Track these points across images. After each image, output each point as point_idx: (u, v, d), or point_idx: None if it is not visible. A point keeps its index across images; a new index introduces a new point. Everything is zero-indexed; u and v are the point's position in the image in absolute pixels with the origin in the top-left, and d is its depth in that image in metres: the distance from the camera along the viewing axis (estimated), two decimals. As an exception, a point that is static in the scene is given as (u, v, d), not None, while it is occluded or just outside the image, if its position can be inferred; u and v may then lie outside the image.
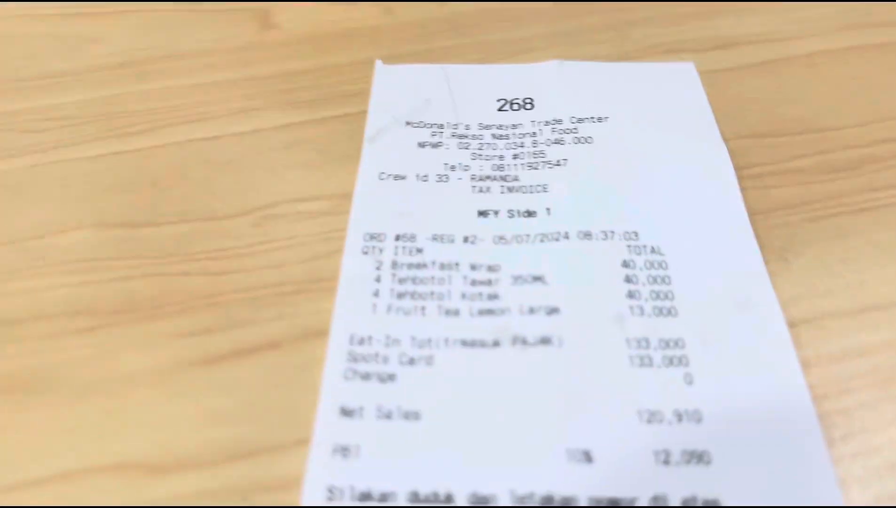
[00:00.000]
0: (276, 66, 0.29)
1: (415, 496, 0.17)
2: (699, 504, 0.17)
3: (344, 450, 0.18)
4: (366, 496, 0.17)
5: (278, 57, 0.30)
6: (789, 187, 0.24)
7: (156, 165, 0.25)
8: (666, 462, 0.18)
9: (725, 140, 0.25)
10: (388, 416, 0.19)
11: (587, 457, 0.18)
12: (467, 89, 0.28)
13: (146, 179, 0.25)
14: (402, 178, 0.25)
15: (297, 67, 0.29)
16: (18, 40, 0.31)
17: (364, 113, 0.27)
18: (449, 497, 0.17)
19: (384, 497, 0.17)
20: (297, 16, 0.32)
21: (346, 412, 0.19)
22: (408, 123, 0.26)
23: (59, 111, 0.27)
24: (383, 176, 0.25)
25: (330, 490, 0.17)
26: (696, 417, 0.19)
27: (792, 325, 0.20)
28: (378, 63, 0.29)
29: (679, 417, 0.19)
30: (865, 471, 0.18)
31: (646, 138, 0.26)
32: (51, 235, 0.23)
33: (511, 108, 0.27)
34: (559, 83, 0.28)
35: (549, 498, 0.17)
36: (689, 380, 0.19)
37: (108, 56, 0.30)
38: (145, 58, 0.30)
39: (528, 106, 0.27)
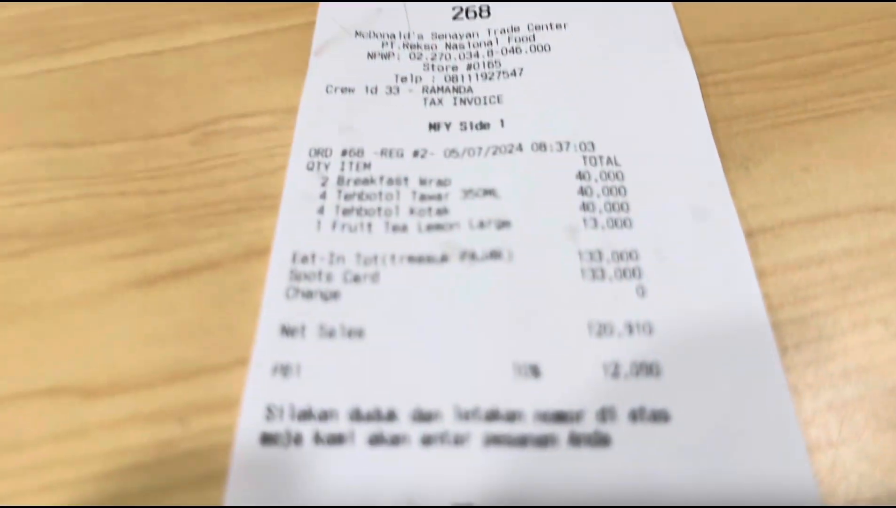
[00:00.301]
0: (220, -24, 0.28)
1: (356, 413, 0.17)
2: (647, 416, 0.17)
3: (284, 369, 0.18)
4: (305, 414, 0.17)
5: (222, -33, 0.28)
6: (754, 94, 0.23)
7: (92, 83, 0.24)
8: (615, 375, 0.17)
9: (689, 46, 0.24)
10: (331, 334, 0.18)
11: (535, 371, 0.18)
12: (421, -2, 0.27)
13: (82, 98, 0.24)
14: (351, 91, 0.24)
15: (242, -22, 0.28)
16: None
17: (312, 24, 0.26)
18: (392, 414, 0.17)
19: (324, 414, 0.17)
20: (243, -77, 0.30)
21: (286, 331, 0.18)
22: (357, 34, 0.25)
23: (-10, 28, 0.26)
24: (330, 89, 0.24)
25: (269, 409, 0.17)
26: (648, 329, 0.18)
27: (749, 234, 0.20)
28: (327, -29, 0.27)
29: (630, 329, 0.18)
30: (817, 378, 0.17)
31: (606, 45, 0.24)
32: (-20, 156, 0.22)
33: (466, 16, 0.26)
34: (518, -10, 0.27)
35: (494, 413, 0.17)
36: (641, 292, 0.19)
37: (43, -31, 0.28)
38: (81, -30, 0.28)
39: (485, 14, 0.26)
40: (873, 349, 0.18)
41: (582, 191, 0.21)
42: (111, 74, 0.24)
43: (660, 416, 0.17)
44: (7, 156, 0.22)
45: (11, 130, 0.23)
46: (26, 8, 0.27)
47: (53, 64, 0.25)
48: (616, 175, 0.21)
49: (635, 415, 0.17)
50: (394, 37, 0.25)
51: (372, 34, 0.25)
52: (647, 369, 0.17)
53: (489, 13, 0.26)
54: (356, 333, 0.18)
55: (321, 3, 0.26)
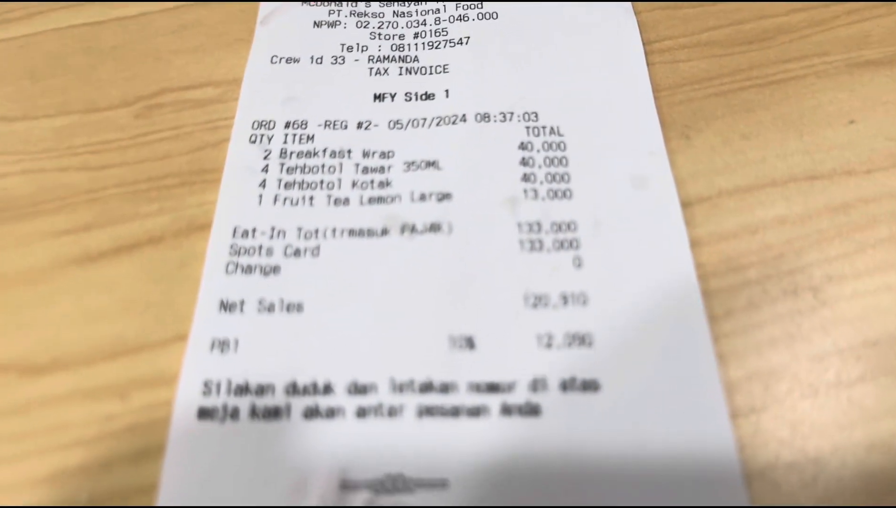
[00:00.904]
0: (166, -58, 0.27)
1: (292, 387, 0.17)
2: (577, 386, 0.17)
3: (222, 344, 0.18)
4: (242, 388, 0.17)
5: (168, -68, 0.27)
6: (699, 61, 0.23)
7: (33, 55, 0.24)
8: (548, 346, 0.18)
9: (637, 12, 0.24)
10: (270, 309, 0.18)
11: (469, 343, 0.18)
12: (370, -37, 0.26)
13: (22, 70, 0.23)
14: (296, 61, 0.23)
15: (188, -57, 0.27)
16: None
17: (258, -8, 0.25)
18: (328, 388, 0.17)
19: (261, 389, 0.17)
20: None
21: (225, 306, 0.18)
22: (303, 1, 0.25)
23: (-71, -2, 0.26)
24: (275, 60, 0.23)
25: (206, 384, 0.17)
26: (583, 300, 0.18)
27: (687, 204, 0.20)
28: (274, -63, 0.27)
29: (565, 300, 0.18)
30: (745, 347, 0.18)
31: (553, 12, 0.24)
32: (-81, 131, 0.22)
33: (415, -18, 0.26)
34: (467, -46, 0.26)
35: (429, 385, 0.17)
36: (578, 263, 0.19)
37: (-16, -65, 0.28)
38: (23, -64, 0.27)
39: (433, -20, 0.26)
40: (801, 317, 0.18)
41: (524, 162, 0.21)
42: (52, 45, 0.24)
43: (590, 386, 0.17)
44: (-54, 131, 0.22)
45: (-49, 105, 0.23)
46: (-33, -24, 0.26)
47: (-7, 35, 0.24)
48: (558, 145, 0.21)
49: (566, 385, 0.17)
50: (340, 4, 0.25)
51: (318, 2, 0.25)
52: (580, 339, 0.18)
53: (438, -21, 0.26)
54: (295, 307, 0.19)
55: (268, -31, 0.26)
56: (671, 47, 0.24)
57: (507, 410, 0.17)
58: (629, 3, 0.24)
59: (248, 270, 0.19)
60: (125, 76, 0.23)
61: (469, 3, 0.25)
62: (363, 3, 0.25)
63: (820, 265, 0.19)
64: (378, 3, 0.25)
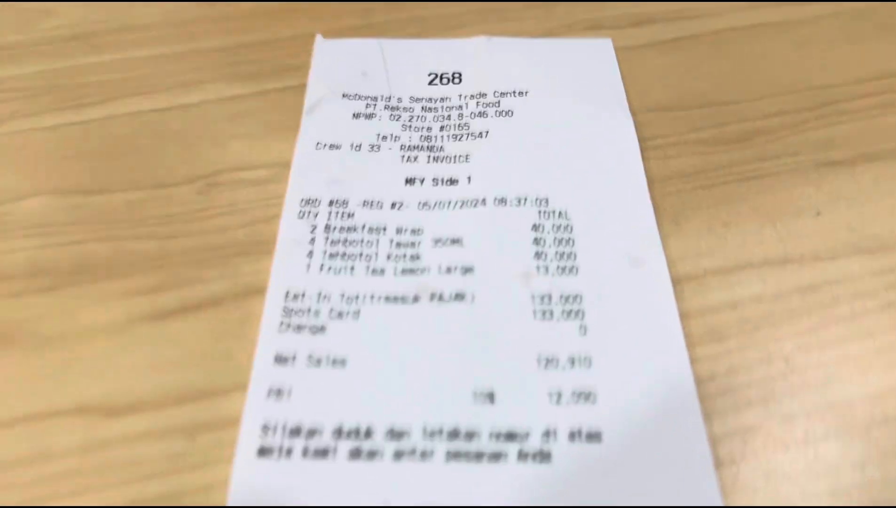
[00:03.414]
0: (222, 39, 0.31)
1: (338, 431, 0.20)
2: (583, 437, 0.20)
3: (278, 392, 0.21)
4: (295, 431, 0.20)
5: (224, 31, 0.31)
6: (687, 158, 0.27)
7: (108, 135, 0.27)
8: (558, 401, 0.21)
9: (634, 113, 0.28)
10: (318, 363, 0.21)
11: (490, 397, 0.21)
12: (401, 63, 0.30)
13: (98, 149, 0.27)
14: (338, 147, 0.27)
15: (242, 41, 0.31)
16: (-28, 11, 0.32)
17: (304, 86, 0.29)
18: (368, 432, 0.20)
19: (312, 432, 0.20)
20: (242, -11, 0.33)
21: (280, 360, 0.21)
22: (344, 96, 0.29)
23: (16, 82, 0.29)
24: (320, 146, 0.27)
25: (264, 427, 0.20)
26: (587, 362, 0.21)
27: (677, 281, 0.23)
28: (318, 38, 0.31)
29: (572, 362, 0.21)
30: (726, 406, 0.21)
31: (562, 111, 0.28)
32: (11, 201, 0.25)
33: (441, 81, 0.29)
34: (486, 58, 0.30)
35: (455, 433, 0.20)
36: (583, 331, 0.22)
37: (61, 28, 0.31)
38: (96, 31, 0.31)
39: (457, 80, 0.29)
40: (774, 382, 0.21)
41: (536, 241, 0.24)
42: (124, 127, 0.28)
43: (593, 437, 0.20)
44: (34, 201, 0.25)
45: (37, 178, 0.26)
46: (47, 64, 0.30)
47: (73, 118, 0.28)
48: (566, 228, 0.25)
49: (573, 436, 0.20)
50: (376, 99, 0.29)
51: (357, 96, 0.29)
52: (585, 396, 0.21)
53: (460, 79, 0.29)
54: (339, 362, 0.21)
55: (312, 66, 0.30)
56: (663, 145, 0.27)
57: (522, 456, 0.20)
58: (626, 104, 0.28)
59: (299, 329, 0.22)
60: (188, 157, 0.27)
61: (488, 102, 0.28)
62: (395, 98, 0.29)
63: (790, 338, 0.22)
64: (409, 99, 0.29)
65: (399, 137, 0.27)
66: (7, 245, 0.24)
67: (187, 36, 0.31)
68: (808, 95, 0.29)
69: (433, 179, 0.26)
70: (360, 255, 0.24)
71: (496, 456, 0.20)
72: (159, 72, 0.30)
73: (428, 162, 0.27)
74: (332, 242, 0.24)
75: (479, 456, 0.20)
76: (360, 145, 0.27)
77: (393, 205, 0.25)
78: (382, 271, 0.23)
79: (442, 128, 0.28)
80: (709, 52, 0.31)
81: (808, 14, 0.32)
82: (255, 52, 0.31)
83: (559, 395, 0.21)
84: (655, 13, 0.32)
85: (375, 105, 0.28)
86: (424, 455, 0.20)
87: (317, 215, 0.25)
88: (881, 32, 0.31)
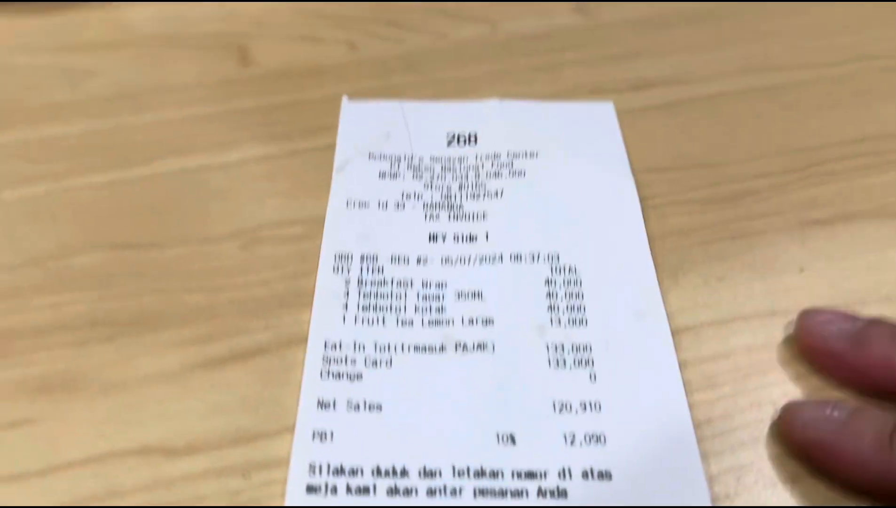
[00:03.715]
0: (255, 100, 0.34)
1: (377, 470, 0.22)
2: (595, 475, 0.23)
3: (321, 435, 0.23)
4: (338, 470, 0.22)
5: (256, 92, 0.34)
6: (683, 216, 0.30)
7: (154, 193, 0.30)
8: (572, 443, 0.23)
9: (634, 173, 0.31)
10: (357, 408, 0.24)
11: (512, 440, 0.23)
12: (421, 124, 0.33)
13: (147, 205, 0.29)
14: (366, 205, 0.29)
15: (274, 102, 0.34)
16: (21, 71, 0.35)
17: (332, 146, 0.31)
18: (404, 472, 0.23)
19: (353, 471, 0.22)
20: (271, 52, 0.36)
21: (322, 405, 0.24)
22: (370, 156, 0.31)
23: (64, 141, 0.32)
24: (350, 204, 0.29)
25: (311, 467, 0.22)
26: (597, 407, 0.24)
27: (676, 332, 0.26)
28: (344, 99, 0.33)
29: (584, 407, 0.24)
30: (722, 447, 0.23)
31: (569, 172, 0.31)
32: (70, 256, 0.28)
33: (458, 142, 0.32)
34: (499, 120, 0.33)
35: (481, 472, 0.23)
36: (593, 378, 0.25)
37: (104, 88, 0.34)
38: (137, 91, 0.34)
39: (473, 141, 0.32)
40: (763, 425, 0.24)
41: (549, 295, 0.27)
42: (169, 185, 0.30)
43: (604, 475, 0.23)
44: (91, 256, 0.28)
45: (92, 233, 0.28)
46: (93, 123, 0.32)
47: (120, 175, 0.30)
48: (576, 282, 0.27)
49: (586, 474, 0.23)
50: (399, 159, 0.31)
51: (382, 156, 0.31)
52: (596, 439, 0.23)
53: (476, 140, 0.32)
54: (376, 407, 0.24)
55: (340, 127, 0.32)
56: (661, 203, 0.30)
57: (541, 493, 0.22)
58: (628, 165, 0.31)
59: (338, 376, 0.25)
60: (230, 213, 0.29)
61: (502, 162, 0.31)
62: (417, 158, 0.31)
63: (778, 384, 0.25)
64: (429, 159, 0.31)
65: (422, 196, 0.30)
66: (70, 297, 0.26)
67: (221, 97, 0.34)
68: (792, 157, 0.32)
69: (454, 236, 0.29)
70: (391, 307, 0.26)
71: (518, 493, 0.22)
72: (198, 131, 0.32)
73: (449, 220, 0.29)
74: (365, 295, 0.27)
75: (503, 493, 0.22)
76: (387, 203, 0.30)
77: (418, 260, 0.28)
78: (411, 323, 0.26)
79: (461, 187, 0.30)
80: (702, 115, 0.33)
81: (792, 80, 0.35)
82: (285, 112, 0.33)
83: (573, 437, 0.23)
84: (654, 78, 0.35)
85: (399, 165, 0.31)
86: (454, 492, 0.22)
87: (349, 269, 0.27)
88: (858, 97, 0.34)
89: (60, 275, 0.27)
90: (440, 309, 0.26)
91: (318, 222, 0.29)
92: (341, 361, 0.25)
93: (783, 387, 0.25)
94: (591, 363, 0.25)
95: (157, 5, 0.39)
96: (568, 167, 0.31)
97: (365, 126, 0.32)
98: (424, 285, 0.27)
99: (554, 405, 0.24)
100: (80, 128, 0.32)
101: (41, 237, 0.28)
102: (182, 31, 0.37)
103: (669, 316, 0.26)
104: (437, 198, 0.30)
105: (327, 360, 0.25)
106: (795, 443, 0.23)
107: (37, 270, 0.27)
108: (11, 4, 0.38)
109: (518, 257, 0.28)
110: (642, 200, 0.30)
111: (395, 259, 0.28)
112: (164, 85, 0.34)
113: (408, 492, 0.22)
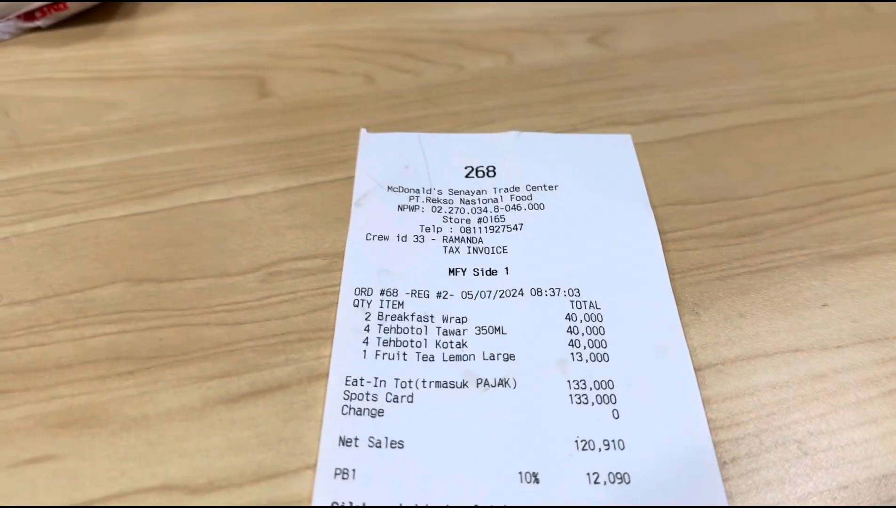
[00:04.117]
0: (274, 132, 0.34)
1: (400, 509, 0.22)
2: (620, 515, 0.22)
3: (343, 472, 0.23)
4: (362, 509, 0.22)
5: (275, 124, 0.34)
6: (703, 250, 0.29)
7: (173, 226, 0.30)
8: (596, 482, 0.23)
9: (654, 206, 0.31)
10: (378, 445, 0.24)
11: (535, 478, 0.23)
12: (439, 156, 0.33)
13: (166, 238, 0.29)
14: (385, 239, 0.29)
15: (293, 134, 0.34)
16: (42, 103, 0.35)
17: (351, 178, 0.32)
18: (427, 511, 0.22)
19: (376, 510, 0.22)
20: (289, 84, 0.36)
21: (344, 442, 0.24)
22: (389, 188, 0.31)
23: (85, 173, 0.32)
24: (369, 237, 0.29)
25: (334, 506, 0.22)
26: (621, 445, 0.24)
27: (699, 369, 0.26)
28: (363, 132, 0.33)
29: (607, 445, 0.24)
30: (748, 487, 0.23)
31: (588, 206, 0.31)
32: (90, 289, 0.28)
33: (476, 175, 0.32)
34: (517, 152, 0.33)
35: (505, 511, 0.22)
36: (616, 415, 0.25)
37: (124, 121, 0.34)
38: (157, 123, 0.34)
39: (491, 173, 0.32)
40: (788, 464, 0.24)
41: (570, 330, 0.27)
42: (189, 217, 0.30)
43: (629, 515, 0.22)
44: (111, 289, 0.28)
45: (112, 267, 0.28)
46: (113, 156, 0.32)
47: (140, 208, 0.30)
48: (597, 317, 0.27)
49: (611, 514, 0.22)
50: (418, 192, 0.31)
51: (401, 188, 0.31)
52: (620, 477, 0.23)
53: (495, 173, 0.32)
54: (398, 444, 0.24)
55: (359, 159, 0.32)
56: (681, 237, 0.30)
57: (566, 533, 0.22)
58: (647, 199, 0.31)
59: (359, 412, 0.24)
60: (249, 246, 0.29)
61: (521, 195, 0.31)
62: (436, 191, 0.31)
63: (802, 423, 0.25)
64: (448, 191, 0.31)
65: (441, 229, 0.30)
66: (91, 331, 0.26)
67: (240, 129, 0.34)
68: (811, 191, 0.32)
69: (474, 270, 0.28)
70: (411, 342, 0.26)
71: (542, 534, 0.22)
72: (218, 163, 0.32)
73: (469, 253, 0.29)
74: (385, 329, 0.27)
75: (527, 533, 0.22)
76: (406, 237, 0.30)
77: (438, 295, 0.28)
78: (432, 358, 0.26)
79: (480, 220, 0.30)
80: (720, 148, 0.33)
81: (810, 112, 0.35)
82: (304, 144, 0.33)
83: (596, 476, 0.23)
84: (670, 109, 0.35)
85: (418, 197, 0.31)
86: (478, 532, 0.22)
87: (370, 303, 0.27)
88: (875, 130, 0.34)
89: (82, 309, 0.27)
90: (461, 344, 0.26)
91: (337, 256, 0.29)
92: (362, 397, 0.25)
93: (807, 425, 0.24)
94: (613, 399, 0.25)
95: (178, 38, 0.39)
96: (587, 200, 0.31)
97: (383, 159, 0.33)
98: (445, 319, 0.27)
99: (577, 443, 0.24)
100: (101, 160, 0.32)
101: (62, 270, 0.28)
102: (201, 64, 0.37)
103: (691, 352, 0.26)
104: (456, 231, 0.30)
105: (348, 395, 0.25)
106: None
107: (58, 303, 0.27)
108: (33, 36, 0.38)
109: (539, 292, 0.28)
110: (662, 233, 0.30)
111: (414, 293, 0.28)
112: (183, 117, 0.34)
113: (431, 532, 0.22)
